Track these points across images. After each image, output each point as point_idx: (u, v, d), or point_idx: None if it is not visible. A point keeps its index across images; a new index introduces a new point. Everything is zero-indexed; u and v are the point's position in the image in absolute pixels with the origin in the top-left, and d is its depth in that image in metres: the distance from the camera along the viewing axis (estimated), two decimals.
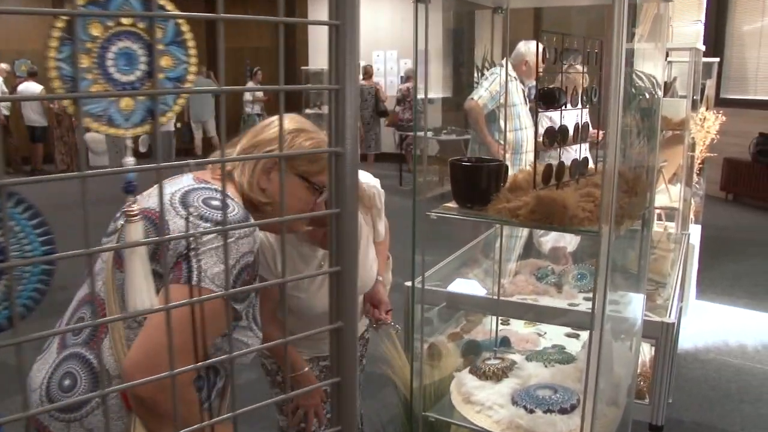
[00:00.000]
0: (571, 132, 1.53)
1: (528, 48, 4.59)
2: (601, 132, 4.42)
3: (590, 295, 3.28)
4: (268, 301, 2.13)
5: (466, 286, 3.15)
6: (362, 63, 11.62)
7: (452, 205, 1.50)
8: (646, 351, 2.87)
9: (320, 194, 1.59)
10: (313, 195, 1.58)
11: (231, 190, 1.49)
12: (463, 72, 10.50)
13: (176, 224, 1.38)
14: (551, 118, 1.42)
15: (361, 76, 10.26)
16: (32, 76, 10.75)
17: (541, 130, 1.50)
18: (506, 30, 1.77)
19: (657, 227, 4.22)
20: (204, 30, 14.13)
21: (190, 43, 0.55)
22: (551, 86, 1.42)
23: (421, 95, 1.56)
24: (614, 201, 1.25)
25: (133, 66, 0.54)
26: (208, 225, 1.37)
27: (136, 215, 0.61)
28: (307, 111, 13.10)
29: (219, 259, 1.34)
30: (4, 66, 10.95)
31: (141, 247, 0.61)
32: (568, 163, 1.53)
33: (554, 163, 1.52)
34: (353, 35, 0.66)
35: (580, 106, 1.53)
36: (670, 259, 3.70)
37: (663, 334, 2.22)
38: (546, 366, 1.68)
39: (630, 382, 1.87)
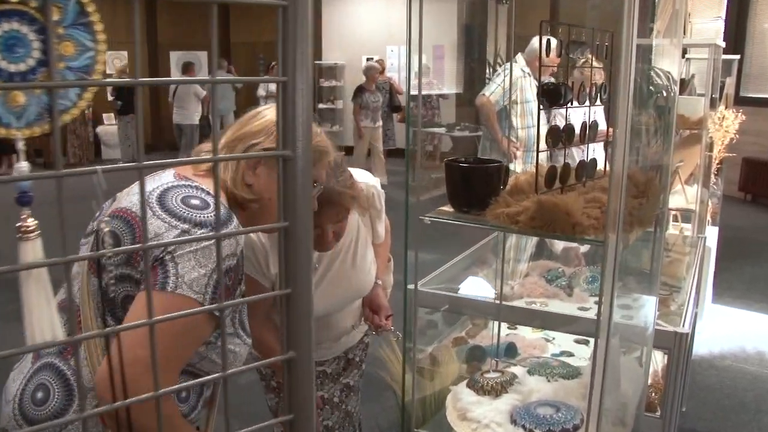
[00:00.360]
0: (578, 131, 1.43)
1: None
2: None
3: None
4: (261, 305, 2.04)
5: (476, 286, 3.06)
6: (375, 57, 11.50)
7: (448, 208, 1.39)
8: (659, 359, 2.75)
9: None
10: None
11: (214, 188, 1.40)
12: (476, 67, 10.37)
13: (153, 225, 1.28)
14: (566, 115, 1.31)
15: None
16: None
17: (545, 130, 1.40)
18: (511, 20, 1.66)
19: (672, 229, 4.09)
20: (218, 23, 14.10)
21: (98, 27, 0.46)
22: (555, 82, 1.31)
23: (414, 91, 1.46)
24: (622, 207, 1.14)
25: (24, 53, 0.44)
26: (187, 226, 1.27)
27: (32, 232, 0.51)
28: (321, 106, 13.02)
29: (197, 263, 1.25)
30: None
31: (39, 270, 0.51)
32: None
33: (568, 163, 1.41)
34: (304, 18, 0.56)
35: (588, 103, 1.43)
36: (686, 263, 3.57)
37: (676, 345, 2.10)
38: (549, 380, 1.57)
39: (639, 396, 1.76)
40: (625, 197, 1.16)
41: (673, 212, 4.00)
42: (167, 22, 12.88)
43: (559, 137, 1.33)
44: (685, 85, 4.07)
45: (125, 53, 12.67)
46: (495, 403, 1.52)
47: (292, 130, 0.57)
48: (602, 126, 2.14)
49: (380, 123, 9.81)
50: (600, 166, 1.54)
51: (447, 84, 11.62)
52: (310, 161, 0.59)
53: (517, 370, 1.70)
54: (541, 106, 1.32)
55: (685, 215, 4.07)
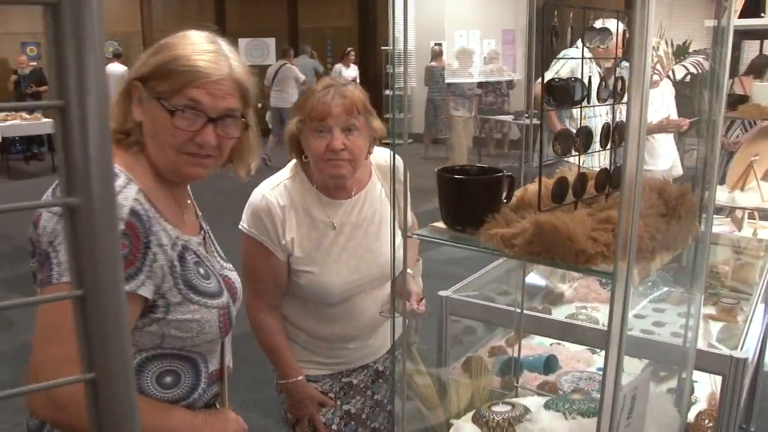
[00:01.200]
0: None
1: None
2: (687, 120, 3.85)
3: (660, 305, 2.91)
4: (272, 285, 1.89)
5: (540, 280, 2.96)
6: (443, 43, 11.20)
7: (442, 224, 1.22)
8: (718, 381, 2.48)
9: (194, 115, 1.24)
10: (183, 120, 1.23)
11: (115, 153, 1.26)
12: (542, 53, 9.97)
13: (45, 220, 1.18)
14: (580, 116, 1.12)
15: (430, 58, 9.86)
16: (117, 57, 11.02)
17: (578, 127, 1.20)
18: (532, 7, 1.46)
19: (747, 227, 3.76)
20: (286, 9, 14.14)
21: None
22: (562, 78, 1.11)
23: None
24: (633, 231, 0.94)
25: None
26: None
27: None
28: (387, 92, 12.87)
29: None
30: None
31: None
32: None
33: (584, 172, 1.21)
34: (91, 21, 0.40)
35: (611, 101, 1.22)
36: (759, 267, 3.25)
37: (731, 371, 1.84)
38: (566, 417, 1.38)
39: None
40: (638, 217, 0.95)
41: (749, 210, 3.66)
42: (235, 10, 13.00)
43: (571, 142, 1.13)
44: (762, 68, 3.69)
45: None
46: None
47: (83, 170, 0.42)
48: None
49: (475, 113, 9.43)
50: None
51: (518, 70, 11.22)
52: (114, 212, 0.43)
53: (533, 401, 1.51)
54: (550, 106, 1.12)
55: (764, 214, 3.73)
